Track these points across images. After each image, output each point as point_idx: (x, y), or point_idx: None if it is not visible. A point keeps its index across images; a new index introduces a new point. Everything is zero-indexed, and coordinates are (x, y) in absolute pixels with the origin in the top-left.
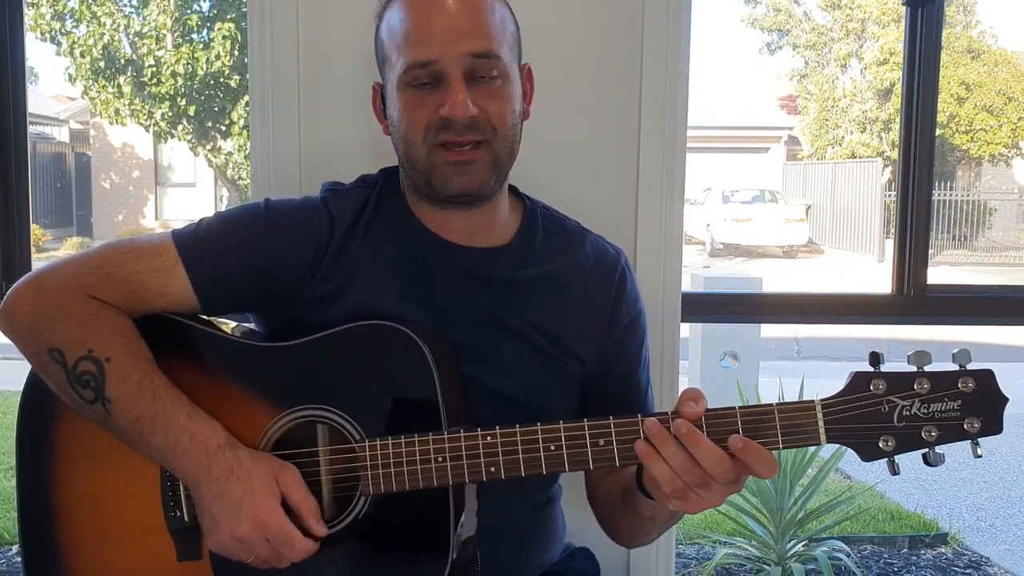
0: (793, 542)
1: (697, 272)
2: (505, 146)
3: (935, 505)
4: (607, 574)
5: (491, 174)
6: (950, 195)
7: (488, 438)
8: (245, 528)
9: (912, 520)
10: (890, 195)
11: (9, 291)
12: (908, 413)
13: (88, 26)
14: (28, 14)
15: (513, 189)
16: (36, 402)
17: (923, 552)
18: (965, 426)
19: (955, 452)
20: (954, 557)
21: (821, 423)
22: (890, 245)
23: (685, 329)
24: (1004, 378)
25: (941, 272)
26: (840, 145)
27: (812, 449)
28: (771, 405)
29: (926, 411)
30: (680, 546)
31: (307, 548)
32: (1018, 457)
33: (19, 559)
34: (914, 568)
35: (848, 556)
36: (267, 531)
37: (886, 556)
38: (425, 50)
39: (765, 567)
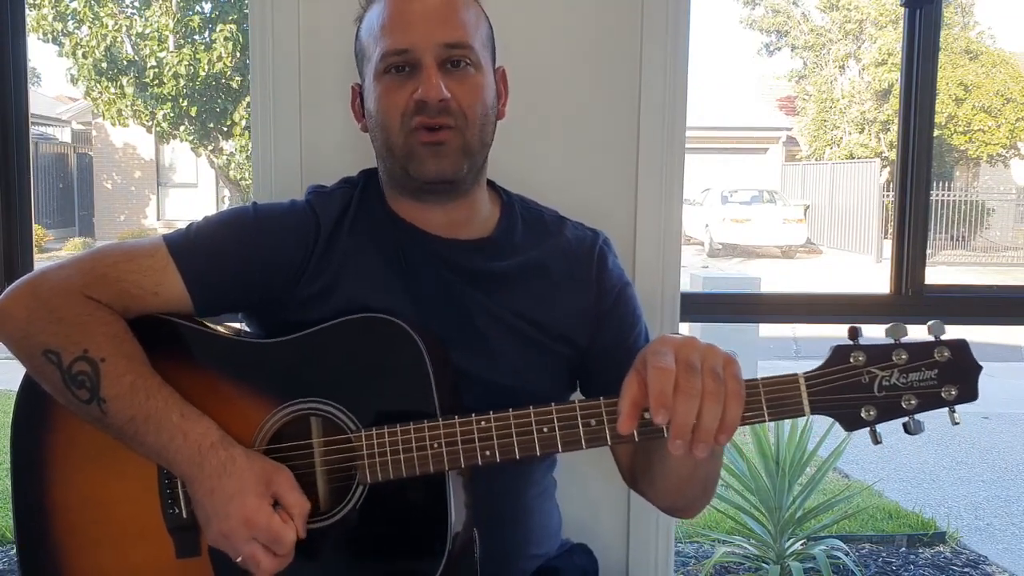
0: (791, 541)
1: (696, 272)
2: (475, 135)
3: (933, 504)
4: (606, 571)
5: (463, 161)
6: (948, 195)
7: (482, 423)
8: (231, 524)
9: (910, 519)
10: (888, 195)
11: (1, 296)
12: (888, 383)
13: (90, 27)
14: (30, 15)
15: (491, 184)
16: (31, 405)
17: (921, 551)
18: (942, 394)
19: (954, 451)
20: (952, 556)
21: (805, 395)
22: (888, 245)
23: (684, 329)
24: (1002, 378)
25: (939, 272)
26: (838, 146)
27: (810, 448)
28: (756, 380)
29: (905, 381)
30: (679, 544)
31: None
32: (1016, 456)
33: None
34: (912, 567)
35: (846, 555)
36: (254, 530)
37: (884, 555)
38: (401, 38)
39: (764, 565)
